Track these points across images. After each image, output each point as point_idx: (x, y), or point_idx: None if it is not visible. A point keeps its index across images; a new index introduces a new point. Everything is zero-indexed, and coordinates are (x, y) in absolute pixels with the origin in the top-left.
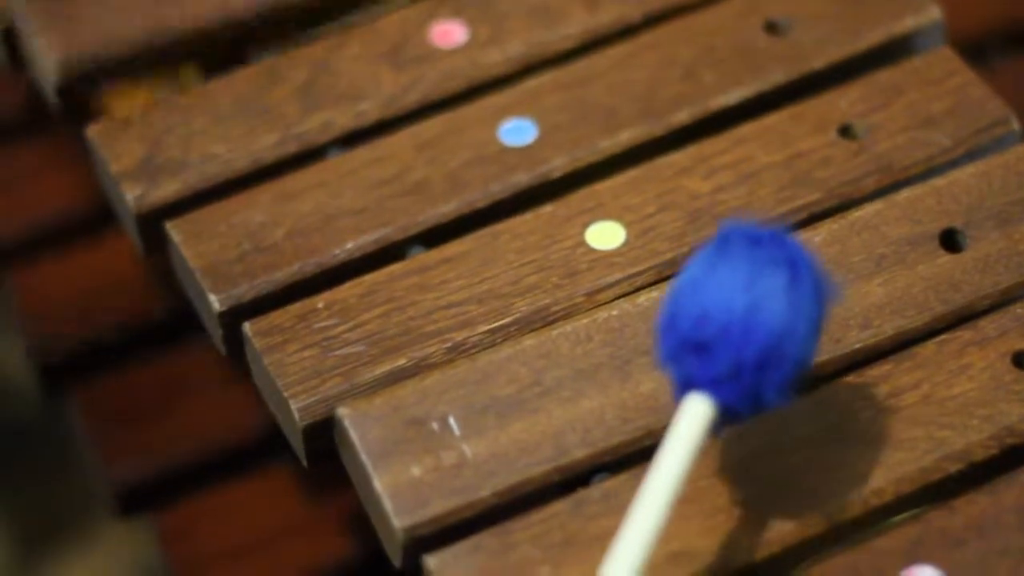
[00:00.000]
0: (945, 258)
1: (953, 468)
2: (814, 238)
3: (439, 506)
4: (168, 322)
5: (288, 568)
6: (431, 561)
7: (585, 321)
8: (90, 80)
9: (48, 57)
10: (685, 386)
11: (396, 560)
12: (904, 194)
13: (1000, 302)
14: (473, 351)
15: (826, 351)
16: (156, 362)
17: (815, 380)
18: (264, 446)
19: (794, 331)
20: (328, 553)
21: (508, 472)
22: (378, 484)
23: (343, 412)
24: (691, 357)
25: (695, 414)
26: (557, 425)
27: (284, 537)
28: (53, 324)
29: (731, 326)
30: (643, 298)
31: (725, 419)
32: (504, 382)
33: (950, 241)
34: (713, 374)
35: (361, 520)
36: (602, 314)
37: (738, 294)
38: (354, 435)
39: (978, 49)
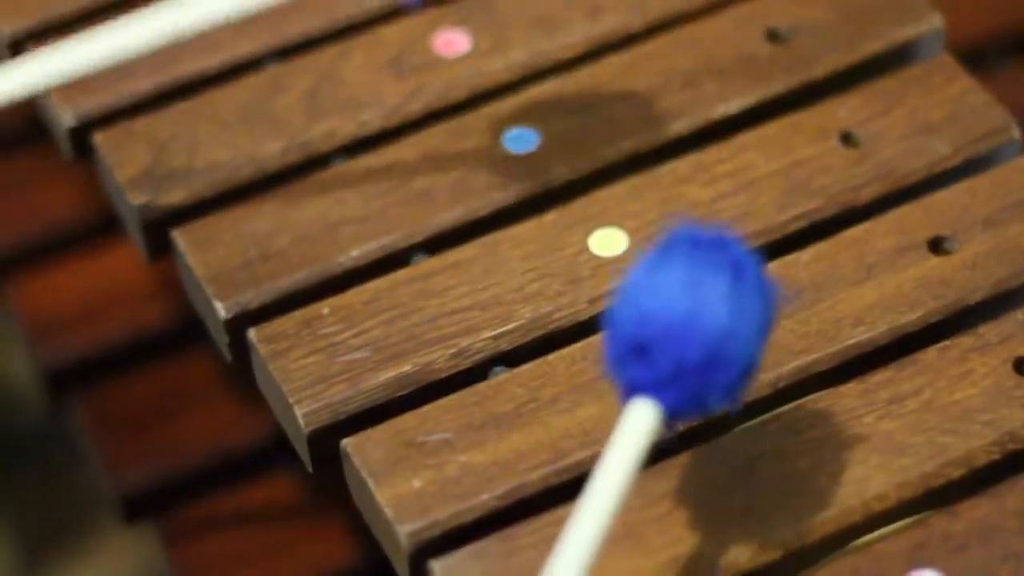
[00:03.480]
0: (935, 261)
1: (955, 474)
2: (802, 257)
3: (441, 512)
4: (172, 329)
5: (293, 574)
6: (436, 566)
7: (580, 345)
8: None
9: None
10: (629, 391)
11: (404, 574)
12: (891, 212)
13: (994, 296)
14: (476, 357)
15: (819, 349)
16: (161, 369)
17: (815, 384)
18: (270, 453)
19: (737, 333)
20: (333, 559)
21: (507, 477)
22: (380, 498)
23: (346, 442)
24: (633, 361)
25: (637, 420)
26: (555, 433)
27: (289, 543)
28: (57, 332)
29: (672, 328)
30: None
31: (672, 421)
32: (501, 402)
33: (939, 247)
34: (655, 377)
35: (366, 527)
36: (595, 338)
37: (679, 296)
38: (356, 459)
39: (978, 56)
